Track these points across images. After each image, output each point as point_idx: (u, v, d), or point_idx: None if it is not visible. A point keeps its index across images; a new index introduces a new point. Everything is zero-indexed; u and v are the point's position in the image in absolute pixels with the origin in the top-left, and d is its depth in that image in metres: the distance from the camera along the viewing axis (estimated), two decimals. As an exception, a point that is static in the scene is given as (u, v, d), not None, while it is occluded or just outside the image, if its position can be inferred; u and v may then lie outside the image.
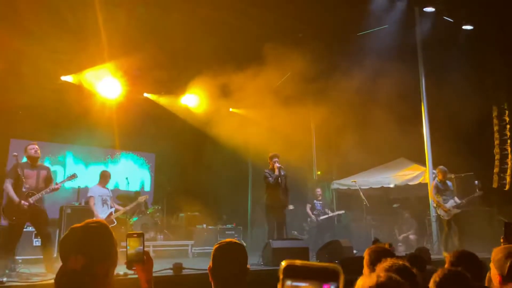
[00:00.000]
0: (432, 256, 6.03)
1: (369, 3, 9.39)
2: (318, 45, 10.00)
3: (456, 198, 8.54)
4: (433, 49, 9.93)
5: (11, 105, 9.77)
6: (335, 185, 11.89)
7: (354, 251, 6.98)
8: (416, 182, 10.52)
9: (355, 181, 9.92)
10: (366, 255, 2.59)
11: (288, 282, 0.77)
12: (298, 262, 0.78)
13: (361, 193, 9.38)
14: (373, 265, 2.42)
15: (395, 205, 11.42)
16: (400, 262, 2.14)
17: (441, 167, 8.77)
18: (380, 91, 10.01)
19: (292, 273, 0.77)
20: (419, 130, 9.91)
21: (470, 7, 9.31)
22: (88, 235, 1.63)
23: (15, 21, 8.08)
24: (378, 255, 2.49)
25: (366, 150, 10.36)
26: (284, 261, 0.79)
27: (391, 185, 10.95)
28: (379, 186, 11.10)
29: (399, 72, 9.71)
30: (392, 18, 9.80)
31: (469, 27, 9.83)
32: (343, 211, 10.75)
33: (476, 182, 9.37)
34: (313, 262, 0.79)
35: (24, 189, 5.80)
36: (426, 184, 9.85)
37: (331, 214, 10.68)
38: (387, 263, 2.12)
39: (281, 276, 0.76)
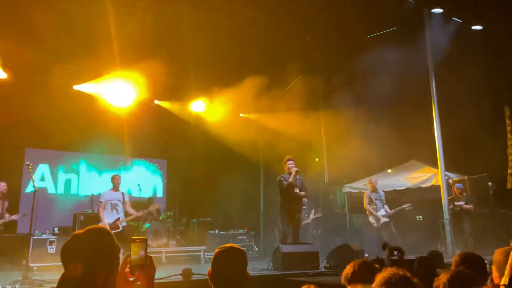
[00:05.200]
0: (445, 260, 5.95)
1: (377, 6, 9.37)
2: (326, 48, 10.01)
3: (386, 207, 9.22)
4: (443, 50, 9.84)
5: (25, 115, 9.98)
6: (347, 188, 11.81)
7: (365, 255, 6.91)
8: (428, 184, 10.39)
9: (365, 185, 9.84)
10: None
11: None
12: None
13: (373, 197, 9.33)
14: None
15: (406, 206, 11.29)
16: (401, 273, 2.10)
17: (371, 178, 9.58)
18: (391, 93, 9.95)
19: None
20: (430, 131, 9.81)
21: (479, 7, 9.22)
22: (88, 242, 1.66)
23: (29, 32, 8.26)
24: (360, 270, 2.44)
25: (377, 153, 10.29)
26: None
27: (403, 188, 10.85)
28: (391, 189, 10.99)
29: (410, 74, 9.65)
30: (400, 20, 9.75)
31: (478, 27, 9.73)
32: (320, 214, 10.71)
33: (490, 183, 9.26)
34: None
35: None
36: (439, 186, 9.73)
37: (309, 219, 10.65)
38: (387, 273, 2.09)
39: None
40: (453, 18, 9.69)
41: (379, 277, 2.07)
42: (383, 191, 9.70)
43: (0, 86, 9.04)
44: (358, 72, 10.02)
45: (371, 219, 9.23)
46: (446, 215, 9.32)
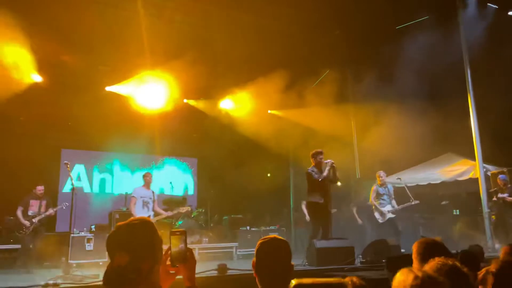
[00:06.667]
0: (486, 254, 5.76)
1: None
2: (355, 41, 9.83)
3: (393, 202, 8.81)
4: (478, 38, 9.47)
5: (61, 117, 10.30)
6: (379, 183, 11.58)
7: (402, 250, 6.77)
8: (465, 177, 10.04)
9: (400, 178, 9.61)
10: (414, 248, 2.49)
11: None
12: (306, 280, 0.79)
13: (407, 191, 9.05)
14: (422, 257, 2.34)
15: (444, 202, 10.98)
16: (450, 262, 2.01)
17: (379, 172, 9.11)
18: (424, 84, 9.69)
19: None
20: (467, 123, 9.48)
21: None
22: (131, 232, 1.67)
23: (63, 36, 8.48)
24: (427, 247, 2.40)
25: (411, 146, 10.03)
26: (293, 280, 0.79)
27: (439, 181, 10.54)
28: (426, 182, 10.70)
29: (444, 64, 9.35)
30: (433, 8, 9.46)
31: (516, 12, 9.33)
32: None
33: (531, 175, 8.88)
34: (320, 279, 0.79)
35: (29, 213, 7.95)
36: (476, 179, 9.39)
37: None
38: (435, 263, 2.02)
39: None
40: (488, 4, 9.32)
41: (427, 268, 1.99)
42: (402, 186, 9.24)
43: (36, 90, 9.35)
44: (389, 64, 9.80)
45: (376, 214, 8.86)
46: (486, 209, 8.99)
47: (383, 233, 8.48)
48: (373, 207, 8.97)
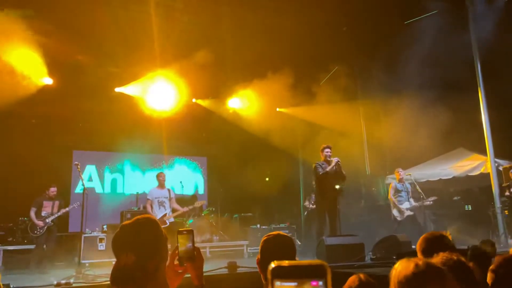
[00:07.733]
0: (498, 250, 5.69)
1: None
2: (362, 36, 9.77)
3: (411, 200, 8.74)
4: (488, 29, 9.33)
5: (72, 119, 10.42)
6: (389, 179, 11.50)
7: (413, 247, 6.72)
8: (477, 172, 9.94)
9: (410, 174, 9.53)
10: (419, 243, 2.49)
11: (277, 283, 0.78)
12: (285, 262, 0.79)
13: (418, 187, 8.98)
14: (426, 252, 2.33)
15: (455, 198, 10.88)
16: (455, 257, 2.00)
17: (398, 168, 9.09)
18: (434, 79, 9.59)
19: (281, 273, 0.77)
20: (477, 117, 9.37)
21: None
22: (137, 232, 1.69)
23: (73, 37, 8.56)
24: (432, 242, 2.39)
25: (421, 142, 9.95)
26: (272, 262, 0.79)
27: (450, 177, 10.44)
28: (436, 178, 10.61)
29: (453, 57, 9.25)
30: (441, 2, 9.35)
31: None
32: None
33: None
34: (300, 261, 0.79)
35: (43, 214, 8.05)
36: (488, 174, 9.29)
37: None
38: (439, 258, 2.01)
39: (269, 277, 0.76)
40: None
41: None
42: (412, 183, 9.12)
43: (47, 92, 9.47)
44: (398, 59, 9.72)
45: (394, 212, 8.80)
46: (498, 204, 8.89)
47: (403, 229, 8.45)
48: (391, 204, 8.92)
